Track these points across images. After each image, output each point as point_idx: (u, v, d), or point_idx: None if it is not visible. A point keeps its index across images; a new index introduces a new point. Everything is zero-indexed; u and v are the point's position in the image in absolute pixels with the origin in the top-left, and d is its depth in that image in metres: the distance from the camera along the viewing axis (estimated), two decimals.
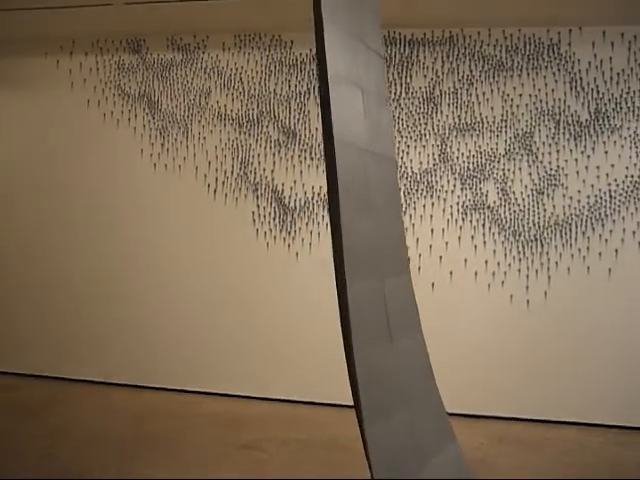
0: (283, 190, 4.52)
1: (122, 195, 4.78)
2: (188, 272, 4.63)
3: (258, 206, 4.55)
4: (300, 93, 4.52)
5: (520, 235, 4.21)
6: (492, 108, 4.26)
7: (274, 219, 4.53)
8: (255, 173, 4.57)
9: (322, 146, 4.45)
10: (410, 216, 4.33)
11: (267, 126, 4.56)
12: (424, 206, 4.34)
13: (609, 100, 4.12)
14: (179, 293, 4.65)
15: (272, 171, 4.54)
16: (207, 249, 4.62)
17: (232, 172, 4.60)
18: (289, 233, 4.50)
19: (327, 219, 4.43)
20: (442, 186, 4.32)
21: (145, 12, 4.42)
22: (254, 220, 4.55)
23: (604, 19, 4.05)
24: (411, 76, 4.37)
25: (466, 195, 4.28)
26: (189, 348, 4.60)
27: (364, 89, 1.72)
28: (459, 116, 4.31)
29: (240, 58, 4.61)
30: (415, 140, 4.35)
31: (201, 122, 4.66)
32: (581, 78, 4.17)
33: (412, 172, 4.35)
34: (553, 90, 4.19)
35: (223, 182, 4.61)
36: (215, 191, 4.63)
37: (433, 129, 4.34)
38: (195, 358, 4.59)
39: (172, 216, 4.69)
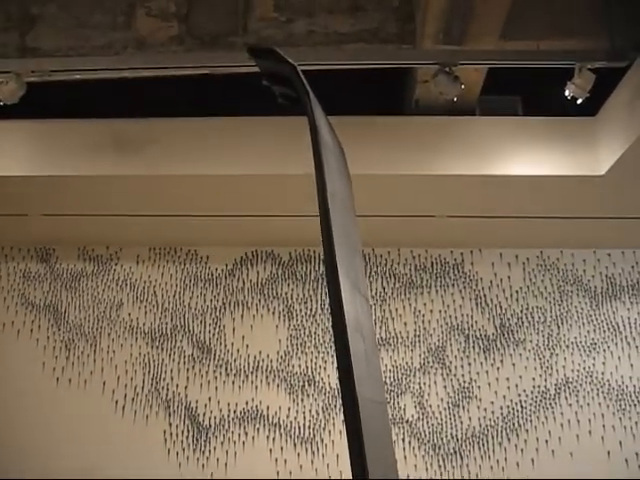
0: (197, 407, 4.31)
1: (20, 411, 4.36)
2: None
3: (170, 424, 4.29)
4: (215, 308, 4.48)
5: (440, 448, 4.19)
6: (405, 323, 4.39)
7: (187, 438, 4.27)
8: (167, 389, 4.35)
9: (237, 361, 4.38)
10: (329, 432, 4.23)
11: (181, 340, 4.43)
12: (343, 421, 4.26)
13: (512, 315, 4.38)
14: None
15: (185, 387, 4.34)
16: (114, 470, 4.22)
17: (142, 388, 4.36)
18: (203, 453, 4.24)
19: (243, 437, 4.24)
20: None
21: (57, 222, 4.36)
22: (165, 439, 4.27)
23: (500, 242, 4.41)
24: (326, 293, 4.48)
25: None
26: None
27: (364, 337, 1.70)
28: (374, 331, 4.39)
29: (154, 271, 4.57)
30: (332, 355, 4.36)
31: (111, 335, 4.47)
32: (485, 295, 4.43)
33: (330, 387, 4.31)
34: (461, 306, 4.41)
35: (133, 398, 4.35)
36: (124, 408, 4.34)
37: None
38: None
39: (75, 434, 4.30)
